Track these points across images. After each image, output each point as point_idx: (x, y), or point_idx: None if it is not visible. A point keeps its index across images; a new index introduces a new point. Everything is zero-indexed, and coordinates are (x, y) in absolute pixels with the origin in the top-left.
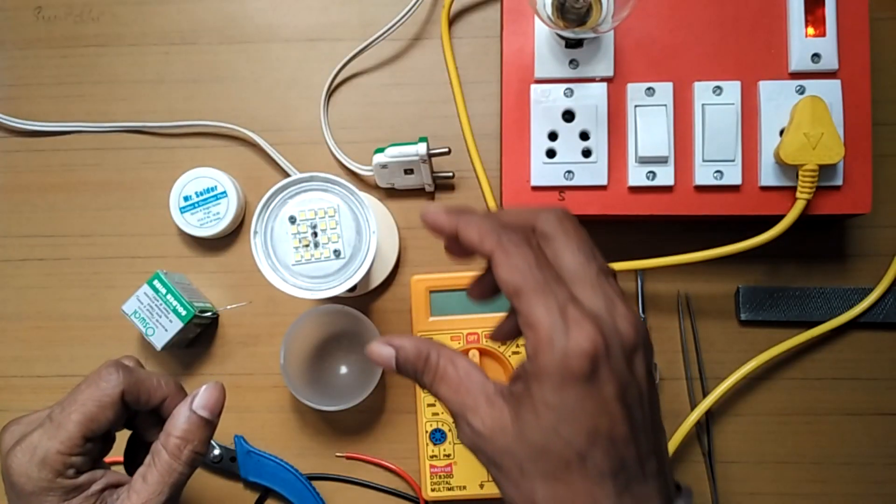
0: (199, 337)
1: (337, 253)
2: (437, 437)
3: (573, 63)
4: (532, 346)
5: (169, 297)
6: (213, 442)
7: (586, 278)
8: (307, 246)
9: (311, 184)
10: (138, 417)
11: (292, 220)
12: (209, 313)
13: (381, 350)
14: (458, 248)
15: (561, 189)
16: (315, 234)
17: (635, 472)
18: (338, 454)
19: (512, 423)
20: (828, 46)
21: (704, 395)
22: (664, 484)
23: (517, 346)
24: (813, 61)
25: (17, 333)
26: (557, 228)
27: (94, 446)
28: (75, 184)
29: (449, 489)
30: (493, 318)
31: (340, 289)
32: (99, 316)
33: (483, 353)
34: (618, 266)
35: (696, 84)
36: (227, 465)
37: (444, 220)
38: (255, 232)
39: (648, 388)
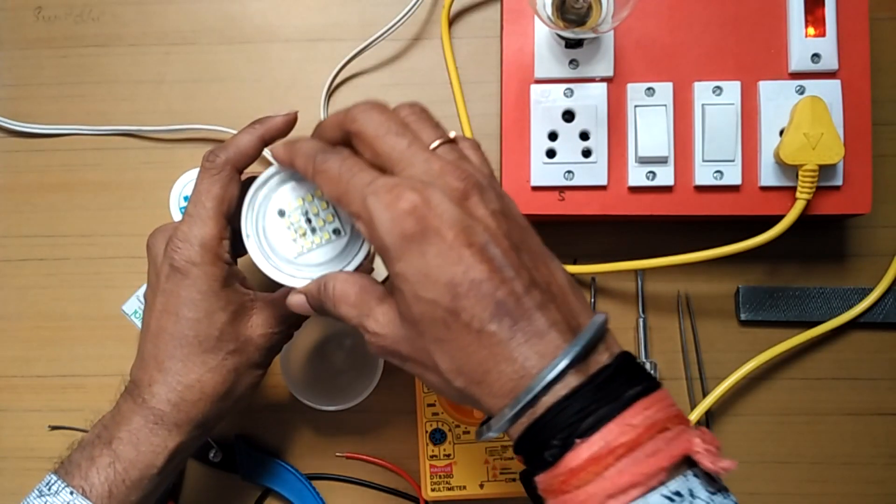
0: None
1: (337, 232)
2: (437, 437)
3: (573, 63)
4: (368, 236)
5: None
6: (212, 442)
7: (411, 158)
8: (304, 235)
9: (288, 172)
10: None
11: (282, 213)
12: None
13: (295, 300)
14: None
15: (561, 189)
16: (309, 221)
17: (516, 310)
18: (338, 454)
19: (395, 312)
20: (828, 46)
21: (704, 395)
22: (560, 315)
23: None
24: (813, 61)
25: (17, 333)
26: (367, 124)
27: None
28: (75, 184)
29: (449, 489)
30: None
31: (355, 263)
32: (99, 316)
33: None
34: (618, 266)
35: (696, 84)
36: (227, 465)
37: (282, 156)
38: (248, 235)
39: (501, 224)
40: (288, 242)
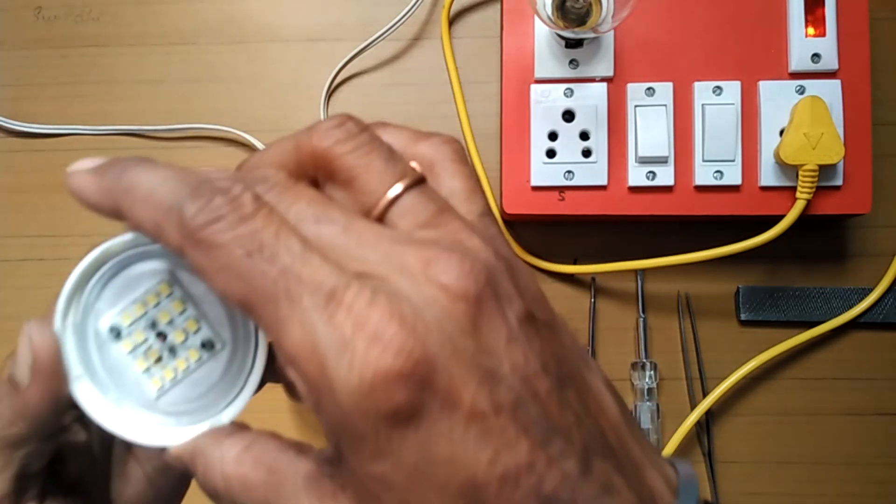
0: None
1: (208, 345)
2: None
3: (573, 63)
4: (305, 392)
5: None
6: None
7: (358, 232)
8: (160, 360)
9: (108, 267)
10: None
11: (116, 333)
12: None
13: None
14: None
15: (561, 189)
16: (162, 336)
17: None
18: None
19: None
20: (828, 46)
21: (704, 395)
22: (629, 489)
23: None
24: (813, 61)
25: (17, 333)
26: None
27: None
28: None
29: None
30: None
31: (249, 389)
32: None
33: None
34: (618, 266)
35: (696, 84)
36: None
37: (91, 189)
38: (77, 377)
39: (534, 342)
40: (139, 378)
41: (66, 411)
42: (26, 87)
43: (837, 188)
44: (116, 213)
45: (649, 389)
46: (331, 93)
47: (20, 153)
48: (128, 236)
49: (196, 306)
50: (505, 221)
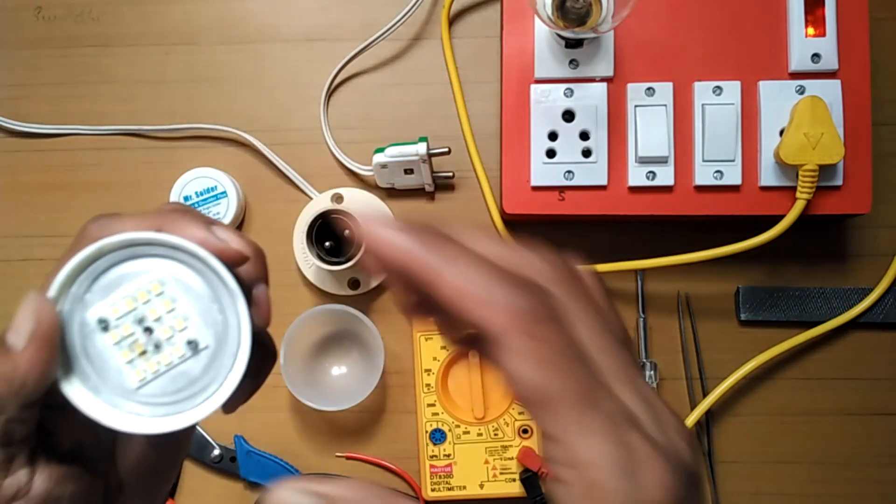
0: None
1: (193, 344)
2: (437, 437)
3: (573, 63)
4: (576, 496)
5: None
6: (213, 442)
7: (615, 366)
8: (144, 353)
9: (105, 260)
10: None
11: (104, 325)
12: None
13: None
14: (422, 306)
15: (561, 189)
16: (149, 331)
17: None
18: (338, 454)
19: None
20: (828, 46)
21: (704, 395)
22: None
23: None
24: (813, 61)
25: None
26: (566, 288)
27: None
28: (75, 184)
29: (449, 489)
30: None
31: (227, 389)
32: None
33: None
34: (618, 266)
35: (696, 84)
36: (227, 466)
37: (399, 248)
38: (60, 361)
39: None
40: (122, 367)
41: (52, 382)
42: (26, 87)
43: (837, 188)
44: (414, 278)
45: None
46: (331, 93)
47: (20, 153)
48: (123, 236)
49: (185, 307)
50: (505, 221)
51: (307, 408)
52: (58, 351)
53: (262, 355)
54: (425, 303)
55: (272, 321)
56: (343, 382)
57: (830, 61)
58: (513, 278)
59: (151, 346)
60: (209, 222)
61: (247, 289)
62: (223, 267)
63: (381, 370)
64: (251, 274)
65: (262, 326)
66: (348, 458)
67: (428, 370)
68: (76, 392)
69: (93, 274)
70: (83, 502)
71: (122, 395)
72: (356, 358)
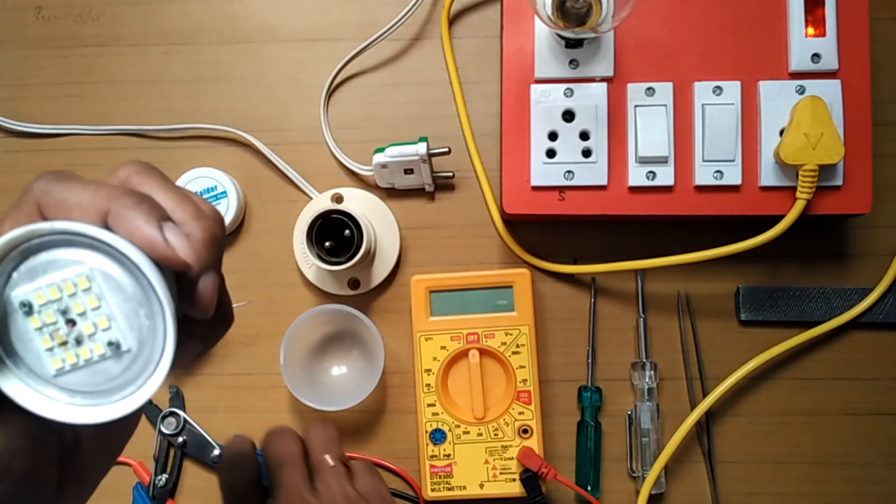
0: None
1: (115, 345)
2: (437, 437)
3: (573, 63)
4: None
5: None
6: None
7: None
8: (65, 344)
9: (38, 240)
10: None
11: (27, 308)
12: None
13: None
14: None
15: (561, 189)
16: (72, 323)
17: None
18: None
19: None
20: (828, 46)
21: (704, 395)
22: None
23: (517, 346)
24: (813, 61)
25: None
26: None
27: None
28: None
29: (449, 489)
30: (493, 317)
31: (143, 394)
32: None
33: (483, 352)
34: (618, 266)
35: (696, 84)
36: None
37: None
38: None
39: None
40: (41, 352)
41: None
42: (26, 87)
43: (837, 188)
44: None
45: (649, 389)
46: (331, 93)
47: (20, 153)
48: (58, 224)
49: (111, 307)
50: (505, 221)
51: (307, 408)
52: None
53: (215, 320)
54: None
55: (271, 322)
56: (343, 382)
57: (830, 61)
58: None
59: (73, 338)
60: (163, 217)
61: (190, 280)
62: (157, 275)
63: (381, 370)
64: (200, 264)
65: (201, 317)
66: (348, 457)
67: (428, 370)
68: None
69: (24, 253)
70: (40, 457)
71: (39, 377)
72: (356, 358)
